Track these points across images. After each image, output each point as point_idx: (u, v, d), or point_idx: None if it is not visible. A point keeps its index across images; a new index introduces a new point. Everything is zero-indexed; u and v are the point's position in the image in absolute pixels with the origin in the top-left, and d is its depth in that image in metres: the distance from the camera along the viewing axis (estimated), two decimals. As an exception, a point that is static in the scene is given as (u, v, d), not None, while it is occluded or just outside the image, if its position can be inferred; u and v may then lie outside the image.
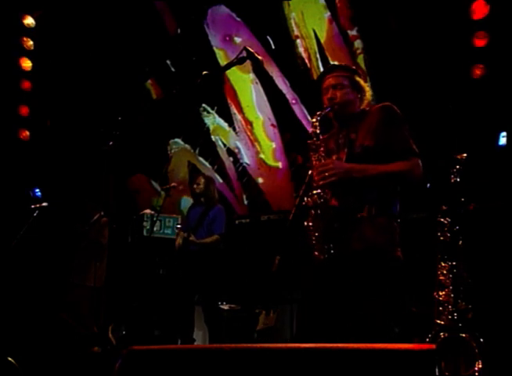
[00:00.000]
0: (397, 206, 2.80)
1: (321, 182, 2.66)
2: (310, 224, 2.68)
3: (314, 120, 2.81)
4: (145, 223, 6.27)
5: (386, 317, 2.60)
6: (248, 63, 2.76)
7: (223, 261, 5.73)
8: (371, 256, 2.63)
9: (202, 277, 5.44)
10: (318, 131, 2.79)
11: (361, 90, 2.88)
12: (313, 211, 2.68)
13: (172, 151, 7.72)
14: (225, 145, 7.40)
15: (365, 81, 2.96)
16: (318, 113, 2.82)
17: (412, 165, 2.72)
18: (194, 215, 5.67)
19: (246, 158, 7.28)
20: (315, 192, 2.69)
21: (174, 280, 5.64)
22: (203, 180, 5.71)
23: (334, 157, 2.79)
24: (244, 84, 7.23)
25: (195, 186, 5.75)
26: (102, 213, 6.21)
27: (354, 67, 2.99)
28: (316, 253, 2.65)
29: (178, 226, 5.98)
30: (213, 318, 5.52)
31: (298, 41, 6.86)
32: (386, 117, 2.78)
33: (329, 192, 2.70)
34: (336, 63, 3.06)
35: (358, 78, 2.89)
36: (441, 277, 2.08)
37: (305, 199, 2.71)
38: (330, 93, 2.83)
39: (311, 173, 2.80)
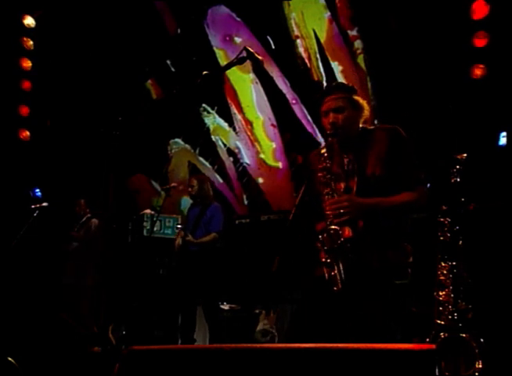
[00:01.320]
0: (408, 228, 2.82)
1: (336, 221, 2.63)
2: (328, 261, 2.63)
3: (323, 151, 2.74)
4: (145, 223, 6.28)
5: (388, 318, 2.60)
6: (248, 63, 2.76)
7: (223, 261, 5.74)
8: (387, 273, 2.65)
9: (202, 277, 5.45)
10: (329, 165, 2.73)
11: (360, 109, 2.83)
12: (330, 251, 2.64)
13: (172, 151, 7.72)
14: (225, 145, 7.41)
15: (364, 99, 2.91)
16: (325, 145, 2.77)
17: (420, 195, 2.74)
18: (192, 216, 5.68)
19: (246, 158, 7.28)
20: (328, 229, 2.64)
21: (174, 281, 5.64)
22: (195, 181, 5.72)
23: (342, 185, 2.75)
24: (244, 84, 7.24)
25: (189, 189, 5.78)
26: (90, 215, 6.22)
27: (351, 85, 2.95)
28: (336, 288, 2.61)
29: (179, 226, 5.98)
30: (213, 318, 5.52)
31: (298, 41, 6.86)
32: (396, 145, 2.75)
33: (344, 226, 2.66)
34: (334, 83, 2.99)
35: (356, 97, 2.83)
36: (441, 277, 2.08)
37: (320, 237, 2.66)
38: (332, 117, 2.77)
39: (305, 190, 2.79)
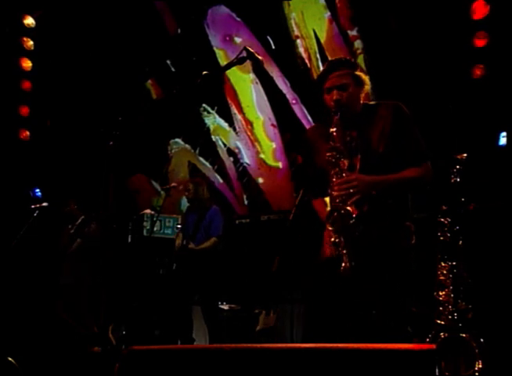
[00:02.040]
0: (410, 206, 2.82)
1: (348, 201, 2.61)
2: (336, 240, 2.61)
3: (332, 130, 2.70)
4: (145, 223, 6.28)
5: (399, 317, 2.61)
6: (248, 63, 2.76)
7: (223, 261, 5.74)
8: (393, 258, 2.65)
9: (201, 277, 5.45)
10: (337, 145, 2.70)
11: (363, 84, 2.83)
12: (338, 228, 2.62)
13: (172, 151, 7.72)
14: (225, 145, 7.40)
15: (365, 74, 2.90)
16: (334, 124, 2.72)
17: (426, 171, 2.74)
18: (191, 221, 5.67)
19: (246, 158, 7.28)
20: (342, 208, 2.61)
21: (173, 280, 5.64)
22: (191, 185, 5.71)
23: (346, 162, 2.72)
24: (244, 84, 7.23)
25: (186, 193, 5.78)
26: (84, 217, 6.22)
27: (353, 60, 2.93)
28: (343, 266, 2.60)
29: (179, 226, 5.98)
30: (212, 318, 5.52)
31: (298, 41, 6.86)
32: (399, 121, 2.75)
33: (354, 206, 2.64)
34: (337, 59, 2.94)
35: (359, 73, 2.82)
36: (441, 277, 2.08)
37: (330, 216, 2.63)
38: (336, 94, 2.75)
39: (302, 168, 2.77)
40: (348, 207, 2.60)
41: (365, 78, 2.84)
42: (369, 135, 2.76)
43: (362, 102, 2.85)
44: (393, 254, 2.66)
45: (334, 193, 2.65)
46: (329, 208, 2.72)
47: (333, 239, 2.62)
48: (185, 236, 5.59)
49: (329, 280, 2.68)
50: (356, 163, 2.75)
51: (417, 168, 2.71)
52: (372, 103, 2.91)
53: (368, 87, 2.86)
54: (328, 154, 2.71)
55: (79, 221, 6.22)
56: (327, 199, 2.81)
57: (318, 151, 2.86)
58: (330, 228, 2.62)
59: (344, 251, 2.57)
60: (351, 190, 2.61)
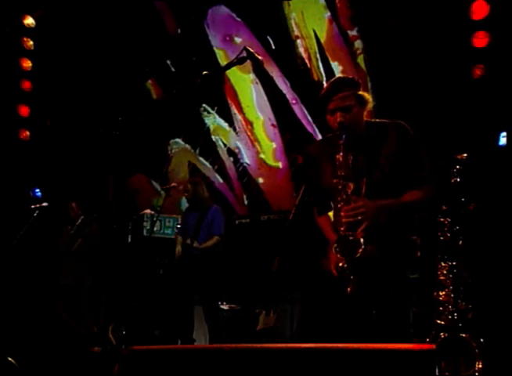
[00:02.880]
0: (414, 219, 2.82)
1: (359, 229, 2.61)
2: (344, 266, 2.62)
3: (339, 157, 2.68)
4: (145, 223, 6.28)
5: (400, 318, 2.62)
6: (248, 63, 2.75)
7: (223, 261, 5.73)
8: (389, 263, 2.66)
9: (202, 277, 5.44)
10: (343, 173, 2.69)
11: (365, 104, 2.81)
12: (346, 255, 2.62)
13: (172, 151, 7.72)
14: (225, 145, 7.40)
15: (367, 91, 2.90)
16: (341, 150, 2.69)
17: (427, 193, 2.73)
18: (191, 220, 5.66)
19: (246, 158, 7.28)
20: (349, 236, 2.62)
21: (174, 280, 5.64)
22: (190, 185, 5.71)
23: (351, 186, 2.71)
24: (244, 84, 7.23)
25: (186, 194, 5.78)
26: (83, 217, 6.22)
27: (356, 79, 2.91)
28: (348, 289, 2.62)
29: (179, 226, 5.98)
30: (213, 318, 5.52)
31: (298, 41, 6.86)
32: (405, 144, 2.75)
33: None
34: (339, 75, 2.95)
35: (361, 92, 2.80)
36: (441, 277, 2.08)
37: (336, 245, 2.63)
38: (340, 116, 2.73)
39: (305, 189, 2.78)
40: (357, 235, 2.60)
41: (368, 97, 2.82)
42: (375, 158, 2.75)
43: (364, 119, 2.84)
44: (397, 272, 2.67)
45: (343, 220, 2.64)
46: (332, 232, 2.75)
47: (340, 264, 2.62)
48: (184, 236, 5.58)
49: (330, 286, 2.69)
50: (362, 186, 2.74)
51: (419, 191, 2.71)
52: (374, 120, 2.88)
53: (371, 105, 2.85)
54: (334, 181, 2.71)
55: (79, 221, 6.22)
56: (331, 213, 2.81)
57: (322, 171, 2.85)
58: (339, 255, 2.62)
59: (351, 277, 2.58)
60: (360, 217, 2.61)
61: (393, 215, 2.71)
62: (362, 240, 2.58)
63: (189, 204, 5.86)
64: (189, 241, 5.42)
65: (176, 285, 5.54)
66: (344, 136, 2.70)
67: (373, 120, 2.88)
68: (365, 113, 2.83)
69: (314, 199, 2.97)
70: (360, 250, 2.58)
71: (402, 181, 2.72)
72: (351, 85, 2.80)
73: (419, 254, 2.75)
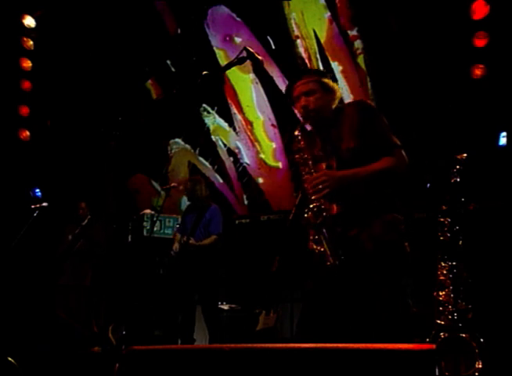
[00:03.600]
0: (397, 200, 2.81)
1: (315, 196, 2.66)
2: (316, 237, 2.66)
3: (296, 133, 2.83)
4: (145, 223, 6.28)
5: (401, 316, 2.62)
6: (248, 63, 2.76)
7: (223, 261, 5.74)
8: (383, 255, 2.64)
9: (201, 277, 5.45)
10: (303, 146, 2.80)
11: (332, 91, 2.89)
12: (314, 227, 2.66)
13: (172, 151, 7.72)
14: (225, 145, 7.40)
15: (334, 81, 2.96)
16: (298, 127, 2.85)
17: (398, 159, 2.75)
18: (190, 219, 5.67)
19: (246, 158, 7.28)
20: (312, 206, 2.67)
21: (174, 280, 5.64)
22: (189, 184, 5.74)
23: (324, 165, 2.79)
24: (244, 84, 7.23)
25: (185, 193, 5.84)
26: (90, 217, 6.22)
27: (321, 69, 3.00)
28: (328, 262, 2.63)
29: (178, 225, 5.99)
30: (213, 318, 5.52)
31: (298, 41, 6.86)
32: (364, 115, 2.79)
33: (328, 201, 2.70)
34: (302, 68, 3.06)
35: (326, 80, 2.88)
36: (441, 277, 2.08)
37: (305, 215, 2.69)
38: (303, 101, 2.84)
39: (304, 187, 2.80)
40: (316, 203, 2.66)
41: (334, 85, 2.90)
42: (340, 135, 2.80)
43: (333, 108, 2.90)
44: (379, 249, 2.65)
45: (306, 192, 2.71)
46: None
47: (311, 237, 2.68)
48: (183, 235, 5.59)
49: (321, 275, 2.70)
50: (333, 164, 2.79)
51: (390, 157, 2.73)
52: (341, 105, 2.95)
53: (339, 94, 2.92)
54: (296, 156, 2.80)
55: (85, 221, 6.22)
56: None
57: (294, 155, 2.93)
58: (308, 225, 2.67)
59: (326, 248, 2.61)
60: (320, 186, 2.65)
61: (360, 182, 2.71)
62: (324, 206, 2.66)
63: (189, 203, 5.88)
64: (185, 238, 5.43)
65: (175, 284, 5.54)
66: (306, 119, 2.85)
67: (340, 105, 2.94)
68: (333, 102, 2.89)
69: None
70: (322, 216, 2.63)
71: (372, 152, 2.73)
72: (313, 72, 2.94)
73: (403, 229, 2.73)
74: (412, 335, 2.62)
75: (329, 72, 6.58)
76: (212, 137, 7.46)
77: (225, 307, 6.07)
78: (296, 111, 2.96)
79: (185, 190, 5.79)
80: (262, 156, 7.16)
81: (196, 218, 5.57)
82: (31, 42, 7.33)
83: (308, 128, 2.99)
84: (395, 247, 2.69)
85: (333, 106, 2.90)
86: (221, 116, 7.44)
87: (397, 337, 2.42)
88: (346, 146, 2.76)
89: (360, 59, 6.43)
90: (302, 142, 2.81)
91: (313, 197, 2.67)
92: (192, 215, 5.67)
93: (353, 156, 2.74)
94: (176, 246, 5.60)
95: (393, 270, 2.65)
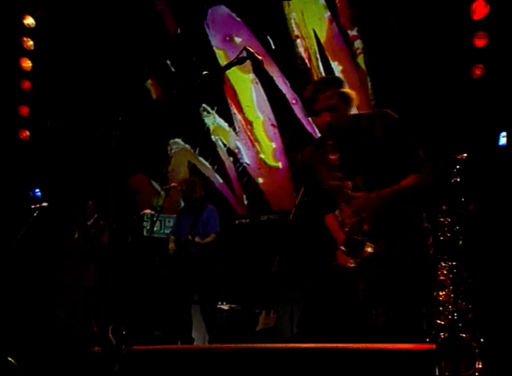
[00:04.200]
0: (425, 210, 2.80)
1: (366, 228, 2.62)
2: (352, 265, 2.64)
3: (333, 158, 2.71)
4: (145, 223, 6.28)
5: (419, 314, 2.62)
6: (248, 63, 2.76)
7: (223, 261, 5.74)
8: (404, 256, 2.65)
9: (201, 277, 5.46)
10: (337, 174, 2.71)
11: (350, 101, 2.82)
12: (352, 252, 2.64)
13: (172, 151, 7.72)
14: (225, 145, 7.40)
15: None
16: (330, 150, 2.73)
17: (426, 175, 2.70)
18: (185, 220, 5.70)
19: (246, 158, 7.28)
20: (353, 238, 2.63)
21: (172, 280, 5.64)
22: (184, 185, 5.77)
23: (350, 184, 2.71)
24: (244, 84, 7.23)
25: (181, 195, 5.88)
26: (97, 215, 6.22)
27: (338, 77, 2.92)
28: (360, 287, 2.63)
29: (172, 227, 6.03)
30: (210, 318, 5.54)
31: (298, 41, 6.85)
32: (389, 129, 2.73)
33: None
34: (322, 79, 2.96)
35: (345, 90, 2.81)
36: (442, 277, 2.08)
37: (343, 247, 2.65)
38: (327, 117, 2.75)
39: (306, 189, 2.78)
40: (363, 235, 2.62)
41: (352, 93, 2.83)
42: (365, 151, 2.74)
43: (350, 114, 2.84)
44: (409, 267, 2.65)
45: (346, 221, 2.66)
46: (339, 231, 2.75)
47: (349, 264, 2.64)
48: (178, 236, 5.63)
49: (339, 283, 2.69)
50: (359, 182, 2.74)
51: (417, 174, 2.68)
52: (360, 113, 2.89)
53: (356, 101, 2.84)
54: (330, 183, 2.72)
55: (91, 221, 6.22)
56: (337, 213, 2.82)
57: (318, 173, 2.88)
58: (348, 256, 2.63)
59: (361, 276, 2.61)
60: (363, 215, 2.62)
61: (396, 202, 2.68)
62: (368, 240, 2.59)
63: (184, 204, 5.90)
64: (190, 237, 5.46)
65: (173, 284, 5.55)
66: (332, 137, 2.73)
67: (358, 113, 2.89)
68: (350, 110, 2.83)
69: (315, 201, 2.97)
70: (368, 249, 2.58)
71: (397, 168, 2.69)
72: (334, 84, 2.82)
73: (431, 241, 2.70)
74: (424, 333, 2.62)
75: (328, 72, 6.60)
76: (212, 137, 7.46)
77: (225, 307, 6.07)
78: (313, 122, 2.86)
79: (181, 192, 5.80)
80: (262, 156, 7.16)
81: (194, 219, 5.59)
82: (31, 42, 7.32)
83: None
84: (422, 252, 2.68)
85: (350, 113, 2.83)
86: (221, 116, 7.44)
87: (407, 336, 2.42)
88: (373, 162, 2.72)
89: (360, 59, 6.43)
90: (337, 172, 2.72)
91: (364, 227, 2.63)
92: (189, 215, 5.69)
93: (380, 173, 2.70)
94: (172, 246, 5.63)
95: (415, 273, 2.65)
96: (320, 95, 2.77)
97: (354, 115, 2.85)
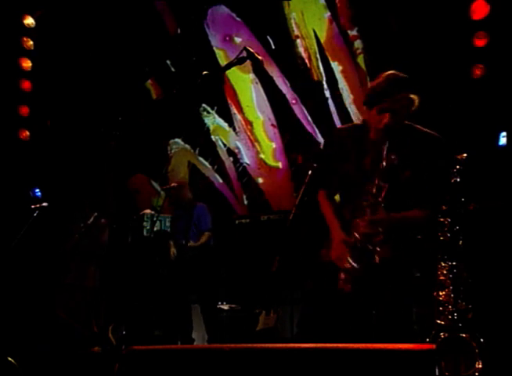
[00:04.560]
0: None
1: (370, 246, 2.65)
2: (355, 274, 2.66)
3: (393, 157, 2.68)
4: (145, 223, 6.28)
5: (408, 315, 2.63)
6: (248, 63, 2.76)
7: (222, 261, 5.76)
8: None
9: (201, 277, 5.47)
10: (380, 178, 2.68)
11: (413, 107, 2.75)
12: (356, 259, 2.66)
13: (172, 151, 7.72)
14: (225, 145, 7.40)
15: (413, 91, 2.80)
16: (384, 157, 2.68)
17: (427, 216, 2.67)
18: (180, 223, 5.80)
19: (246, 158, 7.28)
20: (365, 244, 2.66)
21: (172, 281, 5.66)
22: (172, 192, 5.84)
23: (374, 187, 2.69)
24: (244, 84, 7.23)
25: (171, 201, 5.95)
26: (96, 214, 6.22)
27: (410, 79, 2.86)
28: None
29: (168, 230, 6.06)
30: (211, 318, 5.54)
31: (298, 41, 6.85)
32: (433, 157, 2.70)
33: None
34: (394, 72, 2.90)
35: (413, 96, 2.73)
36: (442, 277, 2.08)
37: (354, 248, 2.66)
38: (388, 118, 2.69)
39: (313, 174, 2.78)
40: (370, 247, 2.64)
41: (416, 99, 2.74)
42: (404, 164, 2.71)
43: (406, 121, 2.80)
44: (405, 271, 2.69)
45: (360, 229, 2.66)
46: (334, 218, 2.80)
47: (350, 266, 2.65)
48: (175, 239, 5.71)
49: (330, 281, 2.70)
50: (384, 188, 2.70)
51: (425, 212, 2.67)
52: (415, 126, 2.84)
53: (416, 105, 2.77)
54: (368, 185, 2.69)
55: (91, 219, 6.21)
56: (337, 197, 2.83)
57: (346, 156, 2.84)
58: (352, 261, 2.65)
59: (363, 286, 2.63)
60: (377, 231, 2.63)
61: (402, 227, 2.72)
62: (378, 248, 2.62)
63: (176, 209, 5.94)
64: (184, 242, 5.49)
65: (173, 284, 5.57)
66: (387, 142, 2.68)
67: (413, 125, 2.84)
68: (408, 115, 2.78)
69: (326, 181, 2.96)
70: (377, 257, 2.61)
71: (418, 194, 2.69)
72: (407, 88, 2.75)
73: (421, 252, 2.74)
74: (416, 333, 2.63)
75: (328, 72, 6.60)
76: (212, 137, 7.46)
77: (225, 307, 6.07)
78: (368, 112, 2.79)
79: (171, 199, 5.85)
80: (262, 156, 7.16)
81: (186, 220, 5.65)
82: (31, 42, 7.32)
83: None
84: (414, 258, 2.73)
85: (406, 120, 2.79)
86: (220, 116, 7.44)
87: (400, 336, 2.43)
88: (404, 179, 2.69)
89: (360, 59, 6.43)
90: (380, 176, 2.68)
91: (373, 240, 2.64)
92: (182, 219, 5.78)
93: (405, 191, 2.68)
94: (173, 251, 5.67)
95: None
96: (390, 97, 2.71)
97: (408, 125, 2.81)
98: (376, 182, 2.68)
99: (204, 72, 2.69)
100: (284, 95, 6.96)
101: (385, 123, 2.69)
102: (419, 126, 2.86)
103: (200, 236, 5.71)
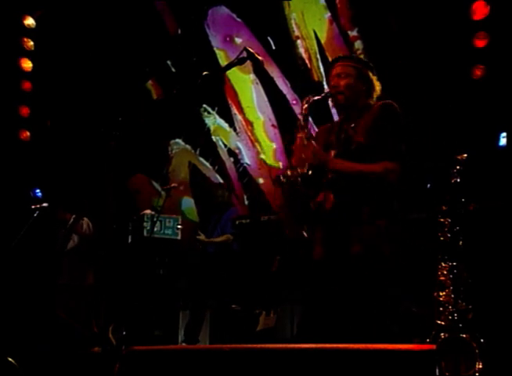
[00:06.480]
0: (392, 206, 2.81)
1: (294, 163, 2.76)
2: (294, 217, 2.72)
3: (304, 103, 2.87)
4: (145, 223, 6.28)
5: (384, 317, 2.61)
6: (249, 63, 2.76)
7: (222, 261, 5.78)
8: (370, 260, 2.65)
9: (216, 278, 5.56)
10: (306, 113, 2.87)
11: (368, 82, 2.86)
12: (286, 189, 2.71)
13: (173, 152, 7.72)
14: (225, 145, 7.40)
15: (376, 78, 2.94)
16: (311, 97, 2.85)
17: (387, 170, 2.74)
18: (213, 220, 6.14)
19: (246, 159, 7.28)
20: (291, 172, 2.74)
21: (173, 281, 5.70)
22: (220, 192, 6.19)
23: (332, 153, 2.81)
24: (245, 84, 7.23)
25: (220, 198, 6.23)
26: (75, 216, 6.22)
27: (367, 61, 2.97)
28: (316, 253, 2.66)
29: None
30: (222, 320, 5.62)
31: (299, 41, 6.86)
32: (381, 116, 2.80)
33: (328, 192, 2.70)
34: (353, 54, 3.09)
35: (367, 71, 2.85)
36: (442, 277, 2.08)
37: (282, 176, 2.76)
38: (334, 81, 2.83)
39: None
40: (298, 170, 2.72)
41: (373, 79, 2.87)
42: (356, 127, 2.82)
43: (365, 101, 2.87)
44: (365, 253, 2.67)
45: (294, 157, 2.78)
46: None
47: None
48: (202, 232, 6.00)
49: (321, 285, 2.72)
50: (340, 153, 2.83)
51: (386, 164, 2.73)
52: (372, 101, 2.92)
53: (378, 89, 2.91)
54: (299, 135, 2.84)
55: (71, 220, 6.22)
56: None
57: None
58: (279, 188, 2.76)
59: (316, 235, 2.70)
60: (303, 155, 2.74)
61: (340, 173, 2.76)
62: (300, 173, 2.71)
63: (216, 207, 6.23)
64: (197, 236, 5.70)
65: (187, 285, 5.68)
66: (323, 94, 2.85)
67: (371, 102, 2.92)
68: (368, 94, 2.88)
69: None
70: (299, 181, 2.69)
71: (374, 153, 2.75)
72: (355, 60, 2.93)
73: (394, 233, 2.75)
74: (412, 335, 2.62)
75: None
76: (212, 137, 7.46)
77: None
78: (328, 89, 2.95)
79: (220, 197, 6.16)
80: (263, 156, 7.17)
81: (215, 220, 6.02)
82: (31, 42, 7.32)
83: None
84: (380, 252, 2.69)
85: (366, 100, 2.87)
86: (221, 116, 7.44)
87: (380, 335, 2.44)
88: (356, 140, 2.78)
89: (360, 60, 6.43)
90: (306, 111, 2.86)
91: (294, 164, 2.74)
92: (214, 217, 6.15)
93: (358, 151, 2.75)
94: (202, 236, 5.96)
95: (376, 275, 2.66)
96: (338, 62, 2.87)
97: (367, 102, 2.90)
98: (332, 153, 2.81)
99: (205, 72, 2.70)
100: (285, 96, 6.96)
101: (331, 85, 2.85)
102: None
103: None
